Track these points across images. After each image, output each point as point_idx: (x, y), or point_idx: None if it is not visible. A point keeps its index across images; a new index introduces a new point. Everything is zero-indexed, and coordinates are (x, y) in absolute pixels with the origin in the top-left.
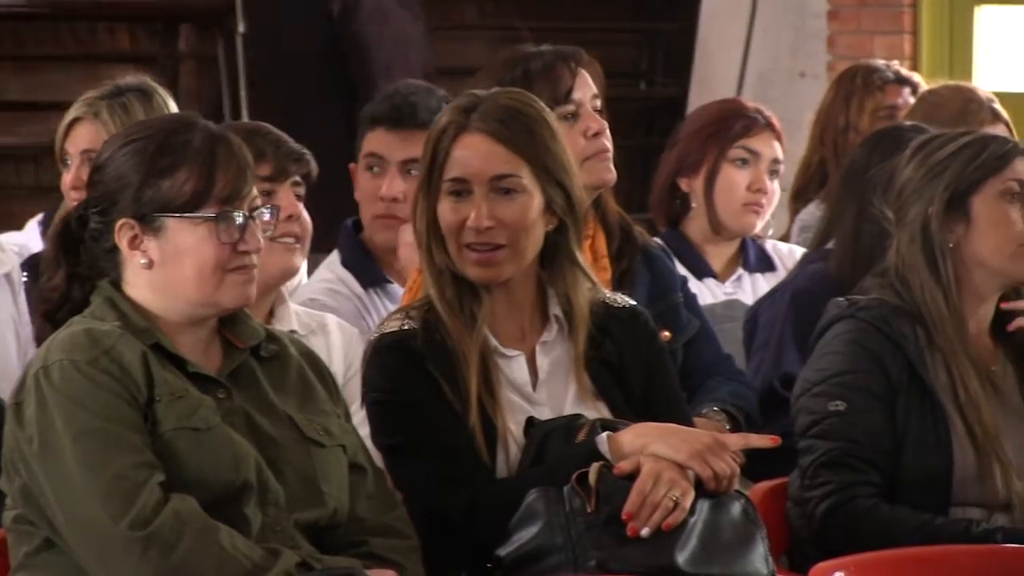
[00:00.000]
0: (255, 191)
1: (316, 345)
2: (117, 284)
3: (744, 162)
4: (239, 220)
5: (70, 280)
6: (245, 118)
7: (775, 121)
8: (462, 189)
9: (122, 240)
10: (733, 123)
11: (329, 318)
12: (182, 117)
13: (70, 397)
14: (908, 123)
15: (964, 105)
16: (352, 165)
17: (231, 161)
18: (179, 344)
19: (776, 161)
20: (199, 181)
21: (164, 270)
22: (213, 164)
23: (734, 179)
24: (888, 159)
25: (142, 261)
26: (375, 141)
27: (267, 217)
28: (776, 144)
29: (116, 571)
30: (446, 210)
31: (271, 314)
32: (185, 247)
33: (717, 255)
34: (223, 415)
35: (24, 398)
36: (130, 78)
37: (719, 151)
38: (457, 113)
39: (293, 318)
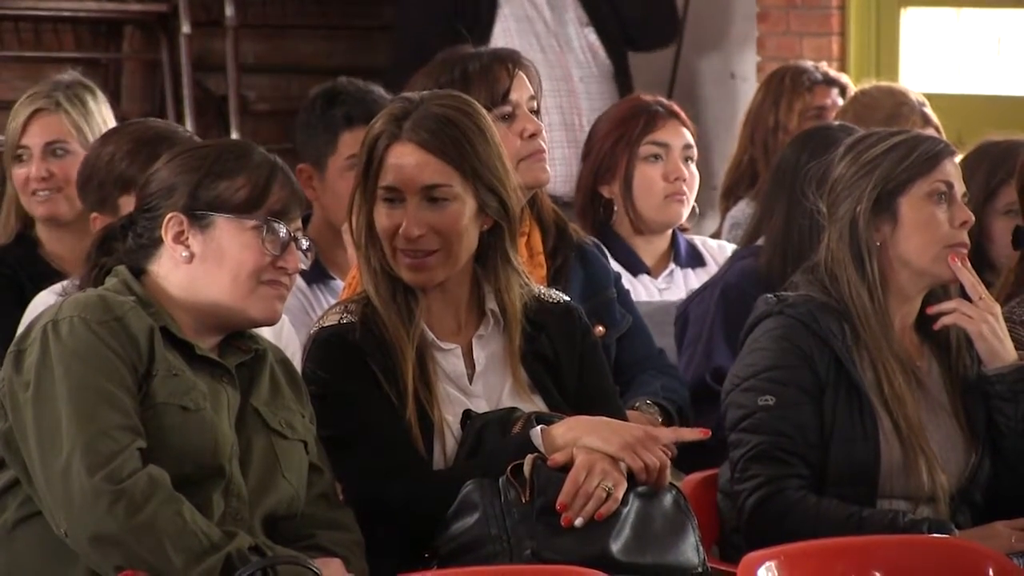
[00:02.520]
0: (299, 223)
1: None
2: (136, 272)
3: (656, 157)
4: (283, 234)
5: (91, 270)
6: (188, 120)
7: (677, 108)
8: (395, 197)
9: (168, 233)
10: (636, 121)
11: None
12: (241, 140)
13: (75, 351)
14: (836, 123)
15: (896, 108)
16: (301, 166)
17: (287, 182)
18: (187, 334)
19: (688, 147)
20: (255, 189)
21: (203, 266)
22: (271, 178)
23: (650, 175)
24: (817, 158)
25: (183, 254)
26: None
27: (305, 246)
28: (684, 130)
29: (81, 519)
30: (381, 215)
31: None
32: (228, 248)
33: (648, 251)
34: (215, 402)
35: (27, 347)
36: (64, 76)
37: (629, 152)
38: (390, 121)
39: None
